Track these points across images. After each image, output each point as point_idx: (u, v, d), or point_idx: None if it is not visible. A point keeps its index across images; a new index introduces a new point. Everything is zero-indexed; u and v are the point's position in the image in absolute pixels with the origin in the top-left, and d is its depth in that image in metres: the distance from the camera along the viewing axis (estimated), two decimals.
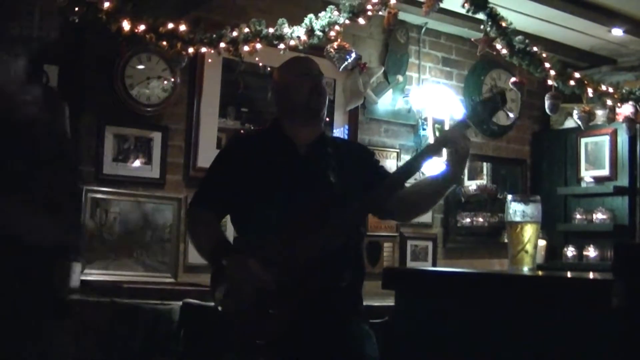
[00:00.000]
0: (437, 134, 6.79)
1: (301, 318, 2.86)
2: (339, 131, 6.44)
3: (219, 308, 3.00)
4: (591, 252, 7.25)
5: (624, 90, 6.37)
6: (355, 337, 3.00)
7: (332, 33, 5.18)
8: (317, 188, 3.08)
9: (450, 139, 2.98)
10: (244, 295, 2.89)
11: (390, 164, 6.64)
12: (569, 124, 7.54)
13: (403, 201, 3.13)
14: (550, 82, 5.88)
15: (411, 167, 3.04)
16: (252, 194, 3.11)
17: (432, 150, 3.01)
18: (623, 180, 7.22)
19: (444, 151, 3.08)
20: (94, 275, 5.25)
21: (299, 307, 2.87)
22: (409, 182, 3.20)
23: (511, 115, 7.29)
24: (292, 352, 2.90)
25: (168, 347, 4.49)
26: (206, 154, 5.56)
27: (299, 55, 4.76)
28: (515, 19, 5.53)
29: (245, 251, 2.98)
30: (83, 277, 5.11)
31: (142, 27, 4.83)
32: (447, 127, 6.67)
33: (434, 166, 3.28)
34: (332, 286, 2.94)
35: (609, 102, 6.35)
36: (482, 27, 5.42)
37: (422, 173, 3.20)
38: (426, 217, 6.97)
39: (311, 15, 5.20)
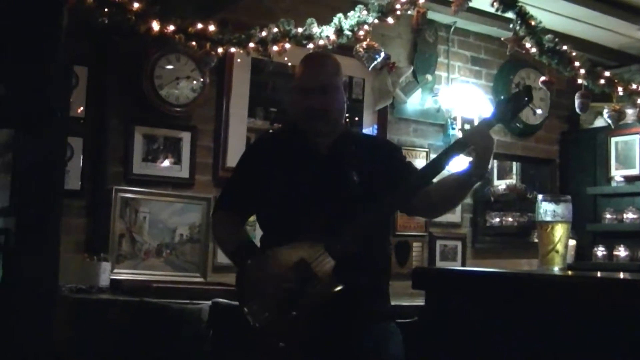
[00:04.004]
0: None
1: (323, 318, 2.86)
2: (368, 131, 6.43)
3: (249, 319, 2.97)
4: (621, 252, 7.21)
5: None
6: (377, 337, 2.99)
7: (361, 33, 5.18)
8: (340, 188, 3.06)
9: (474, 138, 2.96)
10: (267, 296, 2.89)
11: (420, 163, 6.57)
12: (599, 123, 7.51)
13: (430, 198, 3.10)
14: (579, 81, 5.86)
15: (437, 165, 3.00)
16: (274, 195, 3.10)
17: (457, 148, 2.98)
18: None
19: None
20: (123, 274, 5.28)
21: (321, 307, 2.86)
22: (435, 179, 3.18)
23: (538, 111, 7.27)
24: (314, 352, 2.89)
25: (197, 347, 4.50)
26: (235, 154, 5.53)
27: (317, 53, 4.73)
28: (544, 18, 5.51)
29: (269, 251, 2.99)
30: (112, 277, 5.14)
31: (171, 28, 4.85)
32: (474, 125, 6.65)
33: (460, 163, 3.26)
34: (353, 285, 2.93)
35: (639, 101, 6.32)
36: (511, 26, 5.41)
37: (448, 170, 3.17)
38: (455, 217, 6.97)
39: (340, 15, 5.21)
